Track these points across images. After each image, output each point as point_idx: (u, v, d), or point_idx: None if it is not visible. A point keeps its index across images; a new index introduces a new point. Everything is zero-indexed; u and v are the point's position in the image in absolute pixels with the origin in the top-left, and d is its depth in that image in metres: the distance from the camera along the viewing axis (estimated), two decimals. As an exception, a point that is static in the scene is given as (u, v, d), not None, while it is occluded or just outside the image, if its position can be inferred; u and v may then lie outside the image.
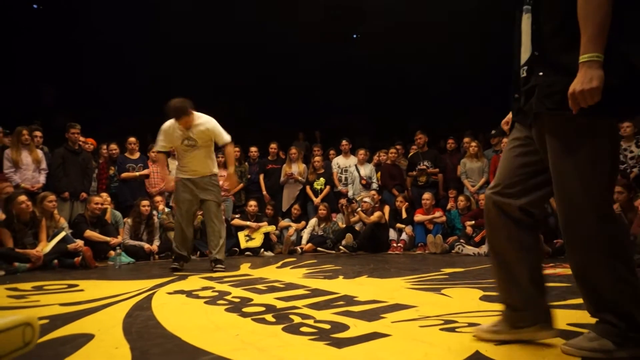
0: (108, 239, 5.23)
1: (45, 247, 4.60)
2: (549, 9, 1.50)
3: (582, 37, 1.36)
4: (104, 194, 5.88)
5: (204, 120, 4.31)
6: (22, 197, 4.64)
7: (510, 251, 1.66)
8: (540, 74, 1.51)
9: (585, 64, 1.34)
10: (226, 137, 4.36)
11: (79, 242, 4.79)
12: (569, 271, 3.88)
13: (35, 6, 10.93)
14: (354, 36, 12.81)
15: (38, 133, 5.88)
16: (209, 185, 4.41)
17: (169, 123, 4.34)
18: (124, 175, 6.21)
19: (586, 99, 1.33)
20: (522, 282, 1.65)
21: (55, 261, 4.59)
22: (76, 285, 3.46)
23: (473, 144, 6.72)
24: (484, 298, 2.66)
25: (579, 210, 1.48)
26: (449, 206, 6.49)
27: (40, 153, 5.75)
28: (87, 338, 1.91)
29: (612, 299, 1.49)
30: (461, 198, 6.33)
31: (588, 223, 1.47)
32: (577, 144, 1.46)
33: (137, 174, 6.26)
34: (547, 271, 3.79)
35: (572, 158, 1.47)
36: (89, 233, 5.11)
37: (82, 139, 6.17)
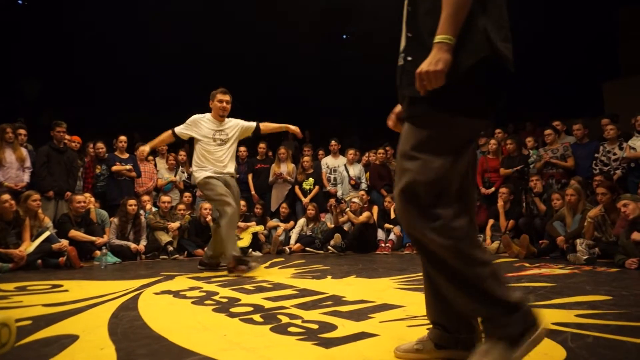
0: (93, 238, 5.17)
1: (28, 246, 4.53)
2: None
3: (441, 16, 1.28)
4: (87, 194, 5.80)
5: (232, 119, 4.41)
6: (6, 196, 4.56)
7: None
8: (409, 58, 1.40)
9: (437, 45, 1.27)
10: (252, 123, 4.47)
11: (64, 242, 4.72)
12: (553, 271, 3.95)
13: (20, 2, 10.74)
14: (344, 37, 12.85)
15: (22, 131, 5.78)
16: (236, 187, 4.32)
17: (203, 115, 4.31)
18: (114, 168, 6.15)
19: (430, 81, 1.27)
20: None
21: (39, 261, 4.51)
22: (60, 286, 3.41)
23: (461, 145, 6.76)
24: (470, 298, 2.69)
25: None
26: None
27: (24, 151, 5.64)
28: (71, 339, 1.88)
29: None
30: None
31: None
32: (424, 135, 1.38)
33: (127, 166, 6.19)
34: (532, 271, 3.85)
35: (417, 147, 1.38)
36: (73, 233, 5.04)
37: (67, 137, 6.08)
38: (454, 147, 1.37)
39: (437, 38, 1.27)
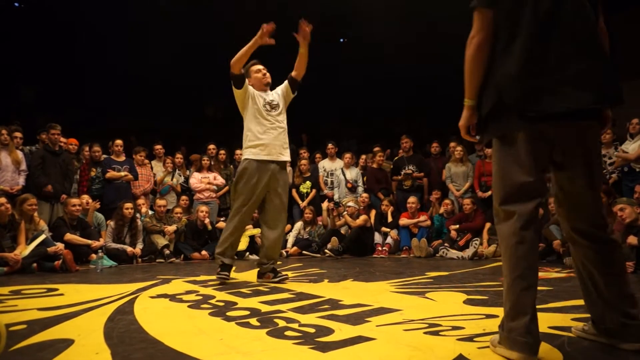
0: (89, 241, 5.14)
1: (24, 250, 4.50)
2: None
3: None
4: (85, 196, 5.78)
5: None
6: (1, 200, 4.54)
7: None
8: None
9: (465, 106, 1.75)
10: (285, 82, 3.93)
11: (59, 245, 4.69)
12: (550, 275, 3.96)
13: (16, 4, 10.72)
14: (341, 40, 12.87)
15: (18, 134, 5.76)
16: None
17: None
18: (108, 175, 6.11)
19: (461, 132, 1.80)
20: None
21: (35, 265, 4.48)
22: (56, 290, 3.38)
23: (458, 148, 6.79)
24: (467, 302, 2.69)
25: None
26: (442, 210, 6.45)
27: (20, 154, 5.62)
28: (66, 343, 1.87)
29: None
30: (446, 202, 6.39)
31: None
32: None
33: (123, 173, 6.17)
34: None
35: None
36: (69, 236, 5.01)
37: (62, 139, 6.06)
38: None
39: (464, 101, 1.74)
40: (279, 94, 3.88)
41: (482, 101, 1.70)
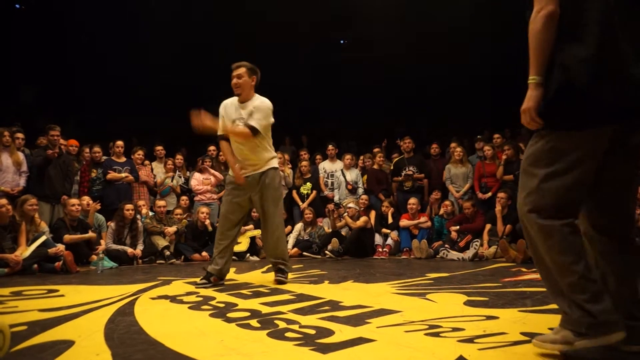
0: (87, 236, 5.14)
1: (24, 251, 4.50)
2: None
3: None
4: (86, 197, 5.77)
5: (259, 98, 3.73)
6: (2, 201, 4.54)
7: None
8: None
9: (530, 84, 1.58)
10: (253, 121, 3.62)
11: (60, 247, 4.69)
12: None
13: (17, 6, 10.74)
14: (341, 42, 12.89)
15: (20, 135, 5.75)
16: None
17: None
18: (109, 176, 6.11)
19: (525, 117, 1.58)
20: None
21: (35, 266, 4.48)
22: (56, 291, 3.39)
23: (458, 149, 6.79)
24: (468, 303, 2.69)
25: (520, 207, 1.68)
26: (441, 211, 6.44)
27: (21, 155, 5.61)
28: (67, 345, 1.87)
29: (560, 287, 1.59)
30: (446, 203, 6.38)
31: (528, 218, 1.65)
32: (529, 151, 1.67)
33: (123, 174, 6.17)
34: (529, 276, 3.85)
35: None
36: (68, 237, 5.01)
37: (62, 141, 6.06)
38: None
39: (529, 79, 1.57)
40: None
41: (546, 82, 1.55)
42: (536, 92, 1.55)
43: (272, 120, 3.71)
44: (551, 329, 1.95)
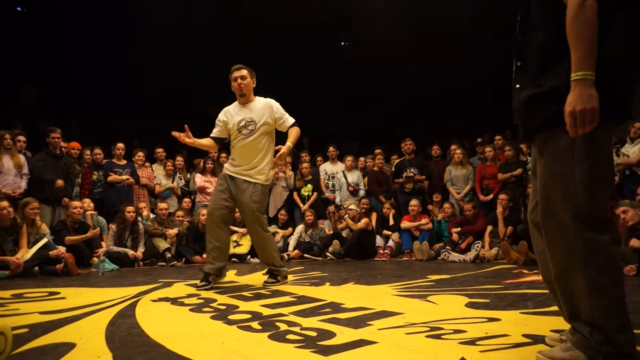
0: (90, 233, 5.15)
1: (25, 253, 4.50)
2: (536, 19, 1.53)
3: (572, 54, 1.35)
4: (87, 200, 5.78)
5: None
6: (3, 203, 4.54)
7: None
8: (517, 86, 1.57)
9: (581, 81, 1.34)
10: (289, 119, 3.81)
11: (61, 249, 4.70)
12: (552, 277, 3.92)
13: (19, 9, 10.77)
14: (342, 43, 12.90)
15: (22, 138, 5.76)
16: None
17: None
18: (110, 179, 6.12)
19: (585, 119, 1.33)
20: None
21: (36, 268, 4.48)
22: (57, 293, 3.39)
23: (458, 151, 6.79)
24: (469, 305, 2.68)
25: (556, 213, 1.48)
26: (440, 216, 6.45)
27: (22, 158, 5.62)
28: (68, 347, 1.87)
29: (585, 309, 1.44)
30: (447, 205, 6.38)
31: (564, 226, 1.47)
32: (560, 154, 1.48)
33: (124, 176, 6.18)
34: (531, 278, 3.85)
35: (554, 165, 1.50)
36: (69, 238, 5.01)
37: (63, 143, 6.07)
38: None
39: (580, 74, 1.34)
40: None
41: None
42: (593, 90, 1.34)
43: None
44: (553, 330, 1.95)
